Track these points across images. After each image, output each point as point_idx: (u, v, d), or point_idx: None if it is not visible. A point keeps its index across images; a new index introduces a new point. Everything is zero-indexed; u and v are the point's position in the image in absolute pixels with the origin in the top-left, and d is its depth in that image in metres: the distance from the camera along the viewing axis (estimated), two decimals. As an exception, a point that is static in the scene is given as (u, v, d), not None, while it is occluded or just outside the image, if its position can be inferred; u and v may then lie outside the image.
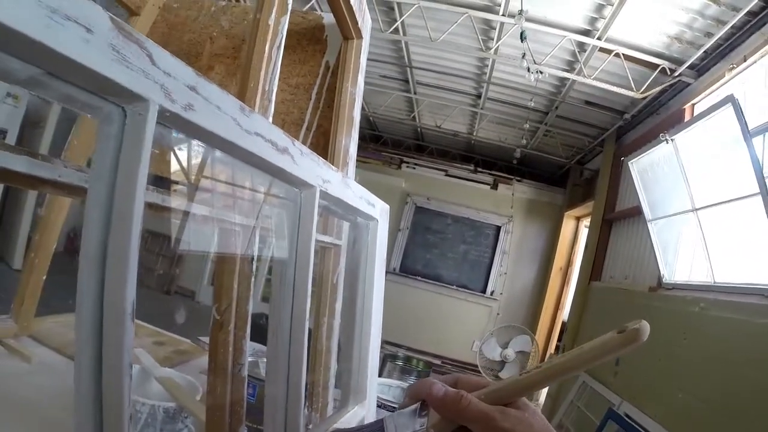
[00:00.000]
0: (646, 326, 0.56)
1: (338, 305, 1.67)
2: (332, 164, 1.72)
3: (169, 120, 0.57)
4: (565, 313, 8.45)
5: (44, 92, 0.49)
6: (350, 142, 1.82)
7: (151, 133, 0.54)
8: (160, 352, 2.41)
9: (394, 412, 0.64)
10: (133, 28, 0.50)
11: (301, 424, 0.85)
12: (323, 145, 1.87)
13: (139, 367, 2.02)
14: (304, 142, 1.92)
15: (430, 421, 0.63)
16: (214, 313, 1.11)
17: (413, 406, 0.64)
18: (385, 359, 7.39)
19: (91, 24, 0.46)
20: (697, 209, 4.32)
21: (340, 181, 1.08)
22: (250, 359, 1.62)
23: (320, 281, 1.65)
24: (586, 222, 8.33)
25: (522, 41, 4.75)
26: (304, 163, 0.88)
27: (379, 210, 1.36)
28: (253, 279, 1.16)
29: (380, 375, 6.85)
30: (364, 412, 1.36)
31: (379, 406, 4.07)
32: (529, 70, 5.13)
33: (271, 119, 1.22)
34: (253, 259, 1.16)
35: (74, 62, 0.45)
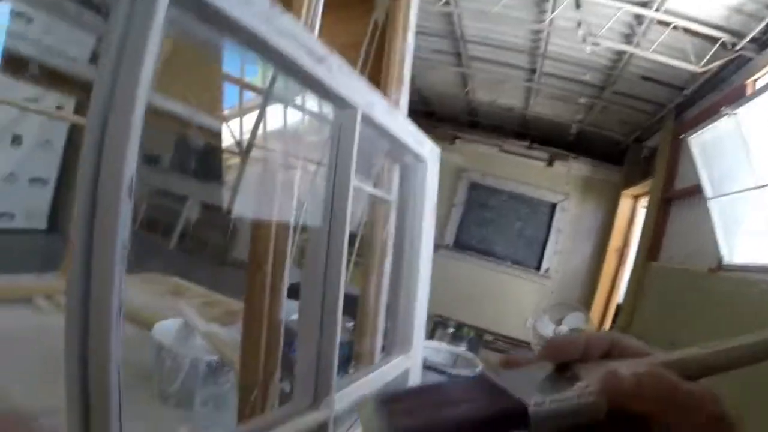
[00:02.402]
0: None
1: (387, 264, 1.55)
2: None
3: (187, 2, 0.53)
4: (620, 296, 8.26)
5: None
6: (400, 98, 1.75)
7: (163, 12, 0.50)
8: (210, 313, 2.50)
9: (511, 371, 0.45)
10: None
11: (335, 360, 0.84)
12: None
13: (183, 321, 2.11)
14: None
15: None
16: (251, 254, 1.07)
17: (540, 366, 0.45)
18: (436, 326, 7.44)
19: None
20: (760, 187, 4.15)
21: (386, 107, 0.96)
22: (294, 317, 1.66)
23: (370, 239, 1.60)
24: (643, 201, 8.09)
25: (577, 8, 4.63)
26: (344, 79, 0.77)
27: (428, 150, 1.26)
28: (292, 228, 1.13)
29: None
30: (409, 363, 1.28)
31: (429, 368, 4.09)
32: (584, 40, 5.01)
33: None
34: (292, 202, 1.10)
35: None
